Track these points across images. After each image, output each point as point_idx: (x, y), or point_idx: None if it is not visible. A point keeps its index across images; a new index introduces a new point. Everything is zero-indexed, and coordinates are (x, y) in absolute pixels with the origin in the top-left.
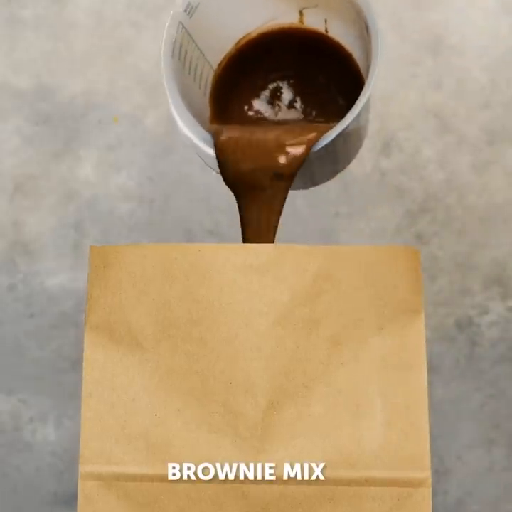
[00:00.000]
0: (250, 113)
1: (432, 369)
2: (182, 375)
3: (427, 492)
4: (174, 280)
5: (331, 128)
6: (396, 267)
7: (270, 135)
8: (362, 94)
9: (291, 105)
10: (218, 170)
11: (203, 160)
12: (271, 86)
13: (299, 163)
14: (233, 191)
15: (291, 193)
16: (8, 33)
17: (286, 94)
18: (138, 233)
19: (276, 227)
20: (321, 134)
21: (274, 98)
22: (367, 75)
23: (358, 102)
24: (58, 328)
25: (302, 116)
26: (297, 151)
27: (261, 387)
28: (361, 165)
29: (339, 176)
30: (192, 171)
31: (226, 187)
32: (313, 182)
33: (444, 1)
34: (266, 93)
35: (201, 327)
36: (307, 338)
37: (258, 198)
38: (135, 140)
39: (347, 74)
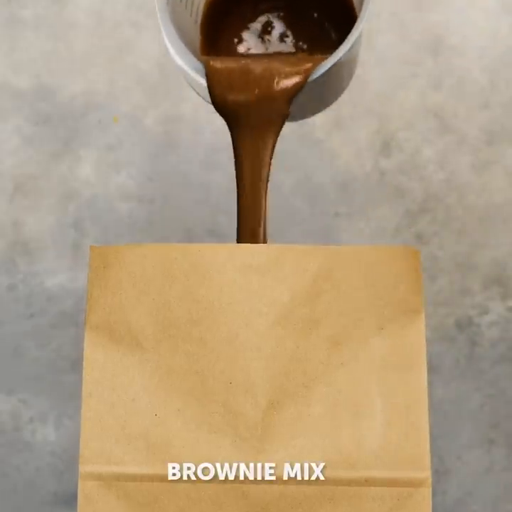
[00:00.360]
0: (241, 44)
1: (432, 369)
2: (182, 375)
3: (426, 492)
4: (174, 280)
5: (325, 59)
6: (396, 267)
7: (265, 65)
8: (357, 23)
9: (281, 38)
10: (210, 100)
11: (194, 90)
12: (261, 17)
13: (295, 93)
14: (226, 121)
15: (291, 193)
16: (8, 33)
17: (277, 26)
18: (138, 233)
19: (271, 159)
20: (316, 64)
21: (265, 30)
22: (360, 8)
23: (353, 30)
24: (58, 328)
25: (293, 50)
26: (294, 80)
27: (261, 387)
28: (361, 165)
29: (339, 176)
30: (192, 171)
31: (227, 186)
32: (302, 114)
33: (445, 2)
34: (256, 24)
35: (201, 327)
36: (307, 338)
37: (252, 128)
38: (135, 140)
39: (338, 6)
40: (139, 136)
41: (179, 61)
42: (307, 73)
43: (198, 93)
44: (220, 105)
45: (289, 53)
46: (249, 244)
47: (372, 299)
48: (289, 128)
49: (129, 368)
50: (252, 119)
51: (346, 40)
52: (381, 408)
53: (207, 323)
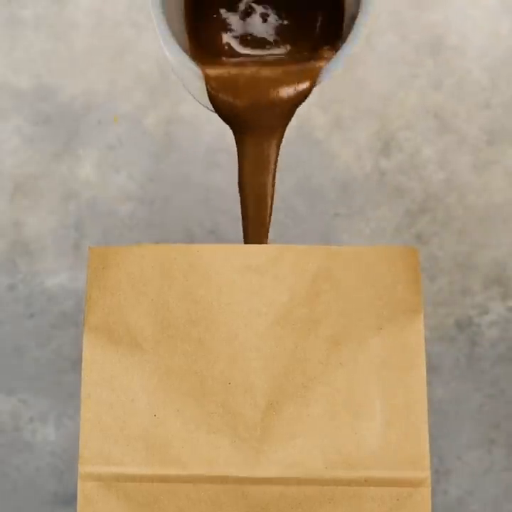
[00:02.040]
0: (227, 39)
1: (432, 369)
2: (181, 376)
3: (426, 492)
4: (173, 281)
5: (328, 61)
6: (395, 267)
7: (269, 73)
8: (359, 18)
9: (268, 33)
10: (211, 107)
11: (190, 93)
12: (243, 5)
13: (301, 101)
14: (231, 127)
15: (292, 193)
16: (8, 33)
17: (262, 16)
18: (138, 233)
19: (276, 162)
20: (320, 70)
21: (248, 18)
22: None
23: (357, 25)
24: (58, 328)
25: (282, 45)
26: (300, 89)
27: (260, 387)
28: (361, 165)
29: (339, 176)
30: (192, 171)
31: (227, 186)
32: None
33: (445, 1)
34: (240, 13)
35: (200, 327)
36: (306, 338)
37: (257, 134)
38: (135, 140)
39: None
40: (139, 136)
41: (176, 65)
42: (313, 82)
43: (193, 96)
44: (223, 114)
45: (285, 54)
46: (248, 245)
47: (371, 299)
48: (289, 128)
49: (128, 369)
50: (257, 125)
51: (350, 39)
52: (380, 408)
53: (206, 324)
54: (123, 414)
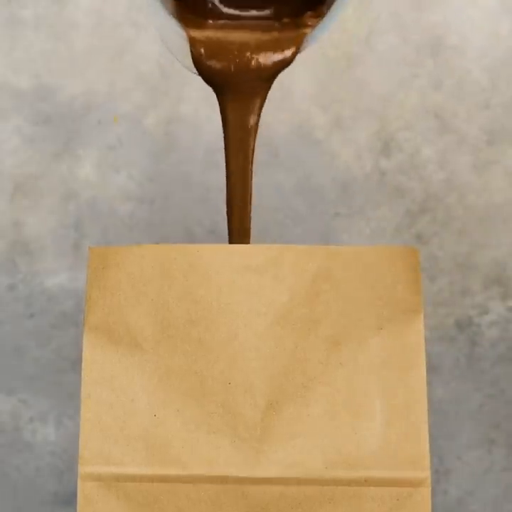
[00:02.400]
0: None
1: (432, 369)
2: (181, 376)
3: (426, 492)
4: (173, 281)
5: (314, 26)
6: (395, 267)
7: (252, 38)
8: None
9: None
10: (193, 70)
11: (169, 50)
12: None
13: (285, 67)
14: (213, 89)
15: (292, 193)
16: (8, 33)
17: None
18: (138, 233)
19: (258, 123)
20: (305, 36)
21: None
22: None
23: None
24: (58, 328)
25: (266, 7)
26: (284, 55)
27: (260, 387)
28: (361, 165)
29: (339, 176)
30: (192, 170)
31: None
32: None
33: (444, 1)
34: None
35: (200, 327)
36: (306, 339)
37: (240, 96)
38: (135, 140)
39: None
40: (139, 136)
41: (160, 26)
42: (296, 49)
43: (176, 57)
44: (206, 77)
45: (270, 17)
46: (248, 245)
47: (371, 299)
48: (289, 128)
49: (128, 369)
50: (240, 88)
51: (335, 6)
52: (380, 408)
53: (206, 324)
54: (123, 414)
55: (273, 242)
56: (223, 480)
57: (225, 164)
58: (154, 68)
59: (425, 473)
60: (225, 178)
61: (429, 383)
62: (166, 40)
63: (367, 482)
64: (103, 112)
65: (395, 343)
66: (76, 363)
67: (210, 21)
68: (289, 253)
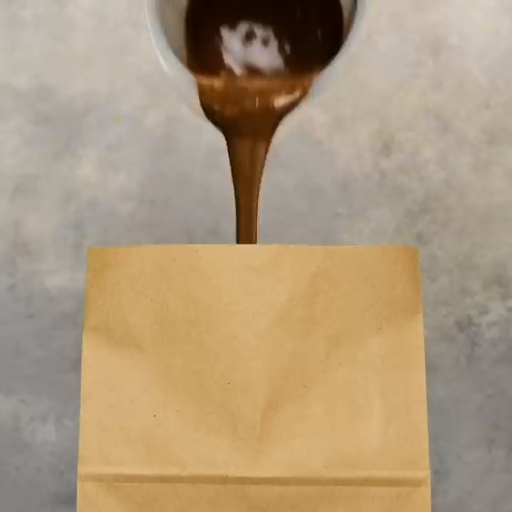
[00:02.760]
0: (226, 49)
1: (432, 369)
2: (180, 376)
3: (426, 492)
4: (172, 281)
5: (319, 72)
6: (395, 267)
7: (261, 83)
8: (352, 32)
9: (266, 41)
10: (202, 114)
11: (181, 100)
12: (244, 20)
13: (290, 111)
14: (222, 132)
15: (292, 193)
16: (8, 33)
17: (261, 29)
18: (138, 233)
19: (264, 163)
20: (312, 82)
21: (249, 32)
22: (351, 11)
23: (355, 32)
24: (58, 328)
25: (280, 56)
26: (290, 100)
27: (259, 387)
28: (361, 165)
29: (339, 176)
30: (192, 171)
31: (227, 186)
32: None
33: (445, 1)
34: (240, 27)
35: (200, 328)
36: (306, 339)
37: (247, 140)
38: (135, 140)
39: (325, 7)
40: (139, 136)
41: (170, 72)
42: (303, 94)
43: (185, 103)
44: (214, 122)
45: (281, 64)
46: (247, 245)
47: (370, 298)
48: (289, 128)
49: (127, 369)
50: (246, 133)
51: (342, 52)
52: (380, 408)
53: (205, 324)
54: (123, 415)
55: (273, 242)
56: (223, 480)
57: (234, 198)
58: (154, 68)
59: (425, 473)
60: (224, 179)
61: (429, 383)
62: (176, 86)
63: (367, 482)
64: (103, 112)
65: (394, 343)
66: (76, 363)
67: (221, 72)
68: (289, 253)
